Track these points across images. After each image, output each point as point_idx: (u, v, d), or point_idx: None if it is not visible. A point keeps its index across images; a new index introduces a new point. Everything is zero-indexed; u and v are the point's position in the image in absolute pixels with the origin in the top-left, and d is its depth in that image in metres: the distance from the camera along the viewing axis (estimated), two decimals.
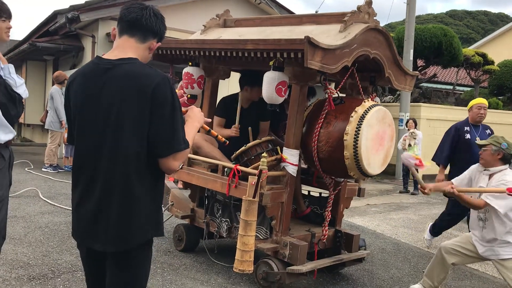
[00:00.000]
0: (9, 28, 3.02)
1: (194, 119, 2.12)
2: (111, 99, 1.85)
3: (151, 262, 2.09)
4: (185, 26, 10.05)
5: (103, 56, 1.96)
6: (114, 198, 1.85)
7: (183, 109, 2.08)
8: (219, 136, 2.49)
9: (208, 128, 2.40)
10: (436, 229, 5.79)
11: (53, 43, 11.17)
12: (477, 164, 4.02)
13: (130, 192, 1.85)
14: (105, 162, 1.85)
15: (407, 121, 10.35)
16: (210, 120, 2.31)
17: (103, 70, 1.89)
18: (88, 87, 1.91)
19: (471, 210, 4.02)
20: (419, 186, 3.98)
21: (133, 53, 1.93)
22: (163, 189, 2.04)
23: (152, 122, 1.83)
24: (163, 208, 5.12)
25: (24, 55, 13.36)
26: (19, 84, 3.01)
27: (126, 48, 1.94)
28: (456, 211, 5.51)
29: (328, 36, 3.69)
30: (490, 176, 3.82)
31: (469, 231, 4.07)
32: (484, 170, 3.87)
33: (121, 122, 1.83)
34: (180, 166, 4.48)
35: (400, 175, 11.19)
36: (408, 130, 10.00)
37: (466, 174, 4.09)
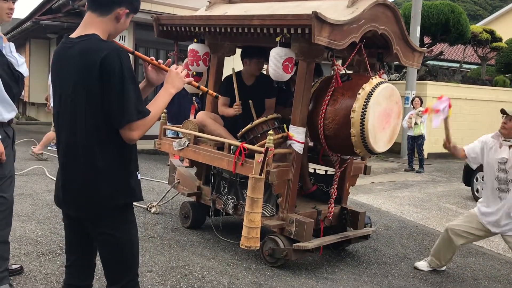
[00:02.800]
0: (11, 9, 2.97)
1: (169, 84, 2.10)
2: (69, 76, 1.94)
3: (136, 228, 2.14)
4: (190, 3, 9.91)
5: (70, 36, 2.02)
6: (78, 168, 1.97)
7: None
8: (210, 91, 2.45)
9: (197, 84, 2.34)
10: None
11: (57, 21, 11.07)
12: (489, 135, 3.92)
13: (93, 162, 1.94)
14: (67, 135, 1.98)
15: (413, 99, 10.29)
16: (191, 79, 2.24)
17: (65, 49, 1.98)
18: (55, 66, 2.03)
19: (487, 184, 3.94)
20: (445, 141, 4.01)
21: (94, 29, 1.97)
22: (135, 155, 2.09)
23: (103, 95, 1.89)
24: (169, 186, 5.15)
25: (27, 33, 13.27)
26: (20, 63, 3.00)
27: (88, 25, 2.00)
28: None
29: (336, 11, 3.63)
30: (510, 147, 3.73)
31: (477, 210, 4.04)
32: (504, 140, 3.76)
33: (77, 97, 1.92)
34: (178, 146, 4.47)
35: (405, 153, 11.16)
36: (414, 108, 9.94)
37: (477, 144, 3.96)
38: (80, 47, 1.92)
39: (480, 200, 4.07)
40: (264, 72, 4.70)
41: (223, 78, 4.76)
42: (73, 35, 2.01)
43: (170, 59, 2.24)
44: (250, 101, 4.25)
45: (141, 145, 8.86)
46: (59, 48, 2.04)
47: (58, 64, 2.01)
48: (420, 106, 9.80)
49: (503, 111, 3.78)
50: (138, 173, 2.10)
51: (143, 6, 9.53)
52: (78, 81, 1.91)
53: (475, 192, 7.49)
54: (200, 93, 7.00)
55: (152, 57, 2.19)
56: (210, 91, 2.46)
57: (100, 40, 1.95)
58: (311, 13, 3.25)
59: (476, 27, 16.45)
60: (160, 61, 2.19)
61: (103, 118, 1.92)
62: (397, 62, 4.29)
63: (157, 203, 5.27)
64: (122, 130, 1.92)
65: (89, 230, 2.07)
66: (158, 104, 2.04)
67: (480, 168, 4.19)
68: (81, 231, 2.11)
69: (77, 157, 1.96)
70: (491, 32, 16.43)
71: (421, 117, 9.62)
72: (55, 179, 2.21)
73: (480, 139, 3.98)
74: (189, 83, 2.21)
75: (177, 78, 2.12)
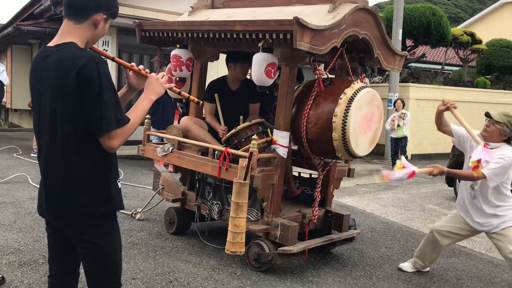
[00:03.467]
0: None
1: (149, 91, 2.10)
2: (47, 85, 1.94)
3: (119, 236, 2.16)
4: (173, 8, 9.89)
5: (48, 44, 2.02)
6: (58, 176, 1.97)
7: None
8: (191, 97, 2.46)
9: (178, 90, 2.34)
10: None
11: (38, 26, 10.95)
12: (477, 131, 3.96)
13: (72, 169, 1.95)
14: (48, 144, 1.97)
15: (395, 102, 10.40)
16: (172, 85, 2.25)
17: (43, 58, 1.97)
18: (33, 75, 2.02)
19: (461, 187, 4.03)
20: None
21: (72, 37, 1.96)
22: (115, 163, 2.09)
23: (82, 103, 1.89)
24: (154, 192, 5.13)
25: (9, 39, 13.11)
26: (0, 71, 2.98)
27: (65, 33, 1.99)
28: None
29: (317, 16, 3.67)
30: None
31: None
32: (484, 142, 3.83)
33: (56, 106, 1.92)
34: (162, 152, 4.45)
35: (389, 155, 11.27)
36: (396, 110, 10.05)
37: (466, 136, 3.91)
38: (58, 55, 1.92)
39: (457, 199, 4.14)
40: (249, 77, 4.72)
41: (207, 83, 4.76)
42: (51, 43, 2.00)
43: (148, 70, 2.23)
44: (241, 117, 4.25)
45: (126, 151, 8.80)
46: (37, 57, 2.03)
47: (36, 73, 2.00)
48: (402, 108, 9.91)
49: (487, 115, 3.85)
50: (119, 181, 2.09)
51: (126, 11, 9.52)
52: (56, 90, 1.91)
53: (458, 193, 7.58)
54: (184, 99, 7.00)
55: (133, 63, 2.18)
56: (192, 97, 2.46)
57: (77, 48, 1.94)
58: (292, 18, 3.28)
59: (457, 30, 16.70)
60: (141, 67, 2.18)
61: (82, 126, 1.92)
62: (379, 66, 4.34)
63: (142, 210, 5.25)
64: (101, 138, 1.92)
65: (71, 238, 2.07)
66: (138, 111, 2.03)
67: None
68: (64, 240, 2.10)
69: (57, 164, 1.96)
70: (472, 35, 16.69)
71: (403, 119, 9.74)
72: (38, 186, 2.20)
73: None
74: (169, 88, 2.21)
75: (157, 84, 2.11)
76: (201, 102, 2.54)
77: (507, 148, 3.71)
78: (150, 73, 2.17)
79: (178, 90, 2.33)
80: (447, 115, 3.98)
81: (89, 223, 2.00)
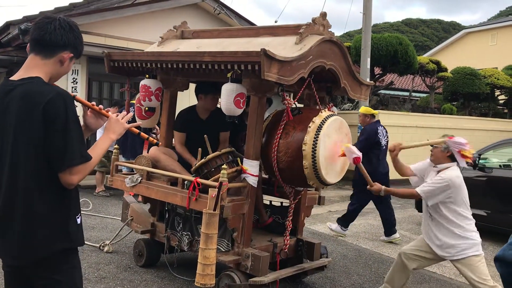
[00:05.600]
0: None
1: (110, 131, 2.14)
2: (10, 119, 1.91)
3: (80, 272, 2.10)
4: (144, 37, 9.93)
5: (11, 78, 1.99)
6: (16, 213, 1.91)
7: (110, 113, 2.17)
8: (150, 138, 2.47)
9: (138, 131, 2.38)
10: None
11: (6, 55, 10.78)
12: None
13: (31, 207, 1.90)
14: (7, 179, 1.92)
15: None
16: (131, 125, 2.27)
17: (6, 91, 1.94)
18: None
19: (423, 209, 4.08)
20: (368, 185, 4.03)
21: (37, 71, 1.96)
22: (75, 199, 2.06)
23: (46, 138, 1.87)
24: (122, 223, 5.02)
25: None
26: None
27: (30, 67, 1.98)
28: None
29: (285, 48, 3.73)
30: (438, 172, 3.89)
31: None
32: (434, 166, 3.98)
33: (19, 141, 1.89)
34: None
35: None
36: None
37: (425, 164, 4.11)
38: (23, 89, 1.90)
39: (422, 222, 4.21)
40: (218, 105, 4.74)
41: (176, 113, 4.75)
42: (14, 77, 1.98)
43: (109, 109, 2.24)
44: (205, 136, 4.24)
45: (94, 181, 8.63)
46: None
47: None
48: None
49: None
50: (78, 217, 2.05)
51: (96, 40, 9.50)
52: (19, 124, 1.88)
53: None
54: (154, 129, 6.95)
55: (93, 102, 2.20)
56: (151, 138, 2.47)
57: (43, 84, 1.93)
58: (260, 50, 3.33)
59: (423, 58, 17.24)
60: (101, 106, 2.19)
61: (44, 162, 1.89)
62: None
63: (110, 242, 5.12)
64: (62, 173, 1.89)
65: (29, 276, 2.00)
66: (98, 150, 2.05)
67: None
68: (22, 278, 2.03)
69: (17, 200, 1.91)
70: (437, 63, 17.25)
71: None
72: None
73: (426, 161, 4.13)
74: (129, 129, 2.24)
75: (117, 124, 2.15)
76: (160, 143, 2.57)
77: (451, 170, 3.83)
78: (111, 111, 2.19)
79: (137, 131, 2.36)
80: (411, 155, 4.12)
81: (48, 259, 1.95)
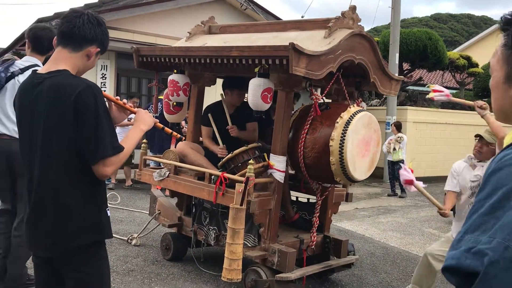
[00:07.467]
0: None
1: (140, 123, 2.15)
2: (39, 112, 1.92)
3: (107, 265, 2.12)
4: (171, 33, 10.00)
5: (38, 71, 2.02)
6: (47, 205, 1.93)
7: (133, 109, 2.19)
8: (174, 133, 2.49)
9: (162, 126, 2.40)
10: None
11: None
12: (460, 161, 3.97)
13: (62, 199, 1.92)
14: (38, 172, 1.93)
15: (391, 125, 10.43)
16: (157, 120, 2.30)
17: (34, 84, 1.96)
18: (22, 102, 2.01)
19: (461, 205, 3.96)
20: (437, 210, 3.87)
21: (64, 64, 1.97)
22: (104, 191, 2.08)
23: (77, 131, 1.88)
24: (150, 217, 5.08)
25: None
26: None
27: (58, 60, 1.99)
28: None
29: (313, 42, 3.69)
30: (483, 166, 3.77)
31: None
32: (479, 162, 3.83)
33: (49, 133, 1.90)
34: (158, 176, 4.44)
35: (387, 178, 11.23)
36: (394, 134, 10.07)
37: (451, 178, 3.97)
38: (52, 82, 1.91)
39: (453, 222, 4.09)
40: (245, 100, 4.72)
41: (203, 107, 4.77)
42: (42, 70, 2.00)
43: (131, 104, 2.26)
44: (209, 115, 4.21)
45: (123, 175, 8.76)
46: (26, 84, 2.02)
47: (25, 99, 1.98)
48: (397, 132, 9.93)
49: (478, 136, 3.86)
50: (108, 209, 2.07)
51: (125, 36, 9.61)
52: (50, 117, 1.89)
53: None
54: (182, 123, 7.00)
55: (117, 97, 2.22)
56: (175, 133, 2.49)
57: (72, 76, 1.95)
58: (288, 44, 3.30)
59: (453, 53, 16.88)
60: (125, 101, 2.21)
61: (75, 154, 1.90)
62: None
63: (138, 235, 5.18)
64: (95, 165, 1.90)
65: (58, 268, 2.02)
66: (130, 141, 2.06)
67: None
68: (51, 270, 2.05)
69: (49, 193, 1.93)
70: (468, 58, 16.85)
71: (399, 142, 9.73)
72: None
73: (451, 170, 4.00)
74: (155, 122, 2.26)
75: (147, 116, 2.18)
76: (183, 138, 2.59)
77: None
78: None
79: (161, 126, 2.39)
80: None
81: (77, 251, 1.96)
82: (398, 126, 10.09)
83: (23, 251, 3.36)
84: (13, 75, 3.41)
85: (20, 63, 3.52)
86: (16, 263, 3.49)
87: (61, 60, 1.98)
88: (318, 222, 4.23)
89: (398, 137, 9.75)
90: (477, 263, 0.85)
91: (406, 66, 15.16)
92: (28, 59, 3.54)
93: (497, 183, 0.92)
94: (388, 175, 10.74)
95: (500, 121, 1.18)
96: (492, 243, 0.85)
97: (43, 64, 2.42)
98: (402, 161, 9.97)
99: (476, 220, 0.92)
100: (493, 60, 1.14)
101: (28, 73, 3.21)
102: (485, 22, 52.81)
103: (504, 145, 1.09)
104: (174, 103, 4.62)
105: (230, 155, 4.02)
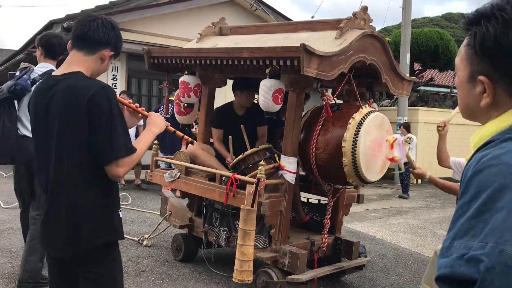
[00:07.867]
0: None
1: (152, 125, 2.17)
2: (54, 113, 1.94)
3: (120, 266, 2.14)
4: (182, 34, 10.04)
5: (53, 73, 2.04)
6: (61, 207, 1.94)
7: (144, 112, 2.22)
8: (185, 136, 2.50)
9: (173, 129, 2.41)
10: None
11: None
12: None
13: (76, 200, 1.93)
14: (52, 173, 1.95)
15: (400, 126, 10.38)
16: (168, 124, 2.32)
17: (49, 86, 1.98)
18: (37, 104, 2.03)
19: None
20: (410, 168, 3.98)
21: (79, 67, 2.00)
22: (117, 193, 2.09)
23: (91, 132, 1.90)
24: (161, 218, 5.09)
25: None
26: None
27: (73, 63, 2.02)
28: None
29: (324, 43, 3.67)
30: None
31: None
32: None
33: (63, 135, 1.92)
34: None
35: (398, 179, 11.17)
36: (403, 135, 10.00)
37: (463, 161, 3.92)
38: (66, 84, 1.93)
39: None
40: (255, 101, 4.72)
41: (214, 109, 4.77)
42: (56, 72, 2.03)
43: (144, 108, 2.27)
44: (241, 126, 4.21)
45: (134, 176, 8.79)
46: (41, 86, 2.04)
47: (41, 101, 1.99)
48: (408, 133, 9.87)
49: None
50: (120, 210, 2.08)
51: (136, 37, 9.66)
52: (64, 118, 1.91)
53: None
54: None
55: (130, 101, 2.25)
56: (186, 137, 2.50)
57: (86, 78, 1.97)
58: (299, 45, 3.29)
59: None
60: (137, 104, 2.24)
61: (89, 156, 1.92)
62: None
63: (149, 236, 5.20)
64: (108, 166, 1.92)
65: (72, 268, 2.04)
66: (143, 143, 2.07)
67: None
68: (65, 271, 2.07)
69: (63, 194, 1.95)
70: None
71: (409, 143, 9.65)
72: None
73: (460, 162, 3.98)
74: (167, 125, 2.28)
75: (159, 119, 2.20)
76: (194, 142, 2.61)
77: None
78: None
79: (173, 129, 2.40)
80: None
81: (91, 252, 1.98)
82: (407, 127, 10.03)
83: (38, 244, 3.44)
84: (34, 81, 3.57)
85: (38, 69, 3.70)
86: (31, 255, 3.59)
87: (76, 62, 2.01)
88: (329, 223, 4.21)
89: (408, 138, 9.67)
90: (472, 270, 0.83)
91: (417, 66, 15.08)
92: (44, 65, 3.72)
93: (479, 185, 0.90)
94: (399, 176, 10.68)
95: (466, 118, 1.18)
96: (485, 248, 0.83)
97: (57, 68, 2.45)
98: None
99: (464, 225, 0.89)
100: (457, 59, 1.15)
101: None
102: None
103: (473, 147, 1.08)
104: (185, 104, 4.63)
105: (240, 156, 4.02)
